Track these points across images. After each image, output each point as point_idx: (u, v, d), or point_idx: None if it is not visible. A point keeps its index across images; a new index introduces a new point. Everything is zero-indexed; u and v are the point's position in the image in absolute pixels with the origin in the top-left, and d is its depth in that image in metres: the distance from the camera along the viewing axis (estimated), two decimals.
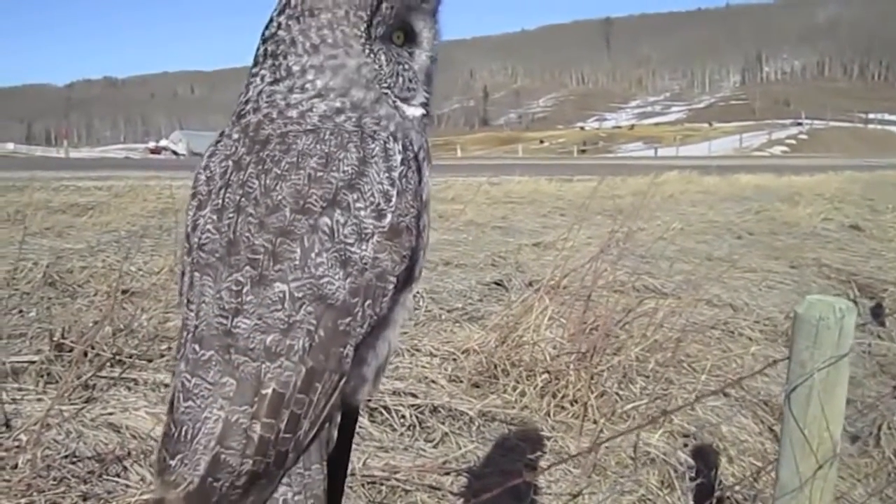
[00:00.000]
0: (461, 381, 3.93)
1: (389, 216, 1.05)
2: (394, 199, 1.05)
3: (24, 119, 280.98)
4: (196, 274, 1.05)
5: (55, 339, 3.64)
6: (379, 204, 1.04)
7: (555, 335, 4.17)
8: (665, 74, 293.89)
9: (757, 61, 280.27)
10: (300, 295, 1.00)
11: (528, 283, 5.78)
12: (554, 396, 3.80)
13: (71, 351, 3.52)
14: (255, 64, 1.09)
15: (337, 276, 1.01)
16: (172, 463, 1.01)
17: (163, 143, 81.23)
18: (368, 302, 1.04)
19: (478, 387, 3.91)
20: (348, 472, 1.25)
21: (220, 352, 1.01)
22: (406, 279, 1.11)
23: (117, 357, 3.64)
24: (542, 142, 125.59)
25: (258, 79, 1.08)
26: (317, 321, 1.01)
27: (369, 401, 3.57)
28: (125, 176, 14.08)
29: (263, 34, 1.09)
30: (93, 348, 3.60)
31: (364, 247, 1.03)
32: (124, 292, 4.33)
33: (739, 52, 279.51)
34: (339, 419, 1.11)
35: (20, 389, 3.37)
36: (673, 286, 6.02)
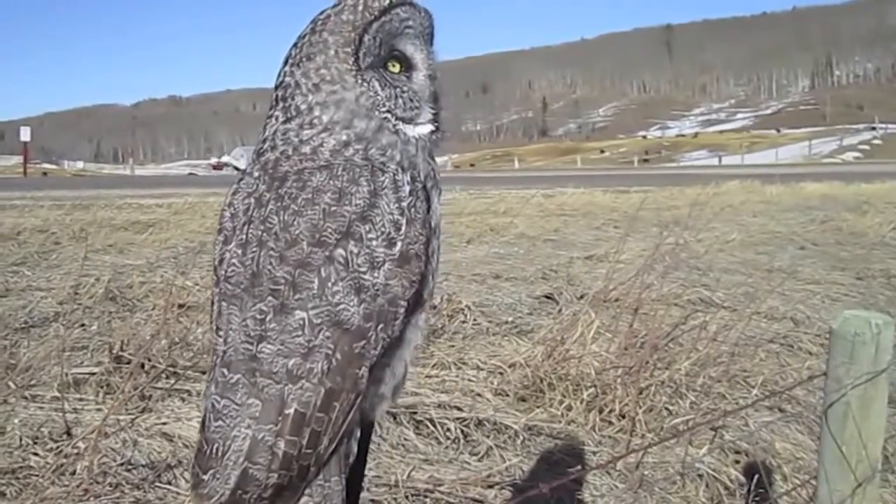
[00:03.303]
0: (507, 395, 3.93)
1: (399, 244, 1.12)
2: (403, 228, 1.13)
3: (93, 138, 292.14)
4: (224, 303, 1.14)
5: (114, 351, 3.80)
6: (389, 233, 1.12)
7: (601, 349, 4.13)
8: (730, 80, 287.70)
9: (827, 65, 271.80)
10: (318, 321, 1.09)
11: (579, 296, 5.75)
12: (601, 411, 3.76)
13: (129, 363, 3.66)
14: (270, 108, 1.19)
15: (352, 303, 1.09)
16: (205, 477, 1.10)
17: (225, 159, 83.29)
18: (381, 326, 1.12)
19: (524, 400, 3.91)
20: (365, 480, 1.31)
21: (247, 375, 1.10)
22: (416, 302, 1.18)
23: (172, 369, 3.77)
24: (602, 151, 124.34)
25: (273, 119, 1.18)
26: (334, 345, 1.09)
27: (414, 413, 3.62)
28: (185, 193, 14.53)
29: (275, 84, 1.20)
30: (149, 360, 3.75)
31: (376, 274, 1.11)
32: (180, 306, 4.48)
33: (808, 56, 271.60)
34: (358, 434, 1.20)
35: (81, 399, 3.53)
36: (730, 298, 5.90)
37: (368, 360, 1.12)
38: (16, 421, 3.22)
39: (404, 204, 1.13)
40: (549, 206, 12.51)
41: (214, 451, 1.10)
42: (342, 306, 1.09)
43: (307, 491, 1.14)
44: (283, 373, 1.09)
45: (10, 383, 3.52)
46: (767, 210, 12.64)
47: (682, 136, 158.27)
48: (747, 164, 60.72)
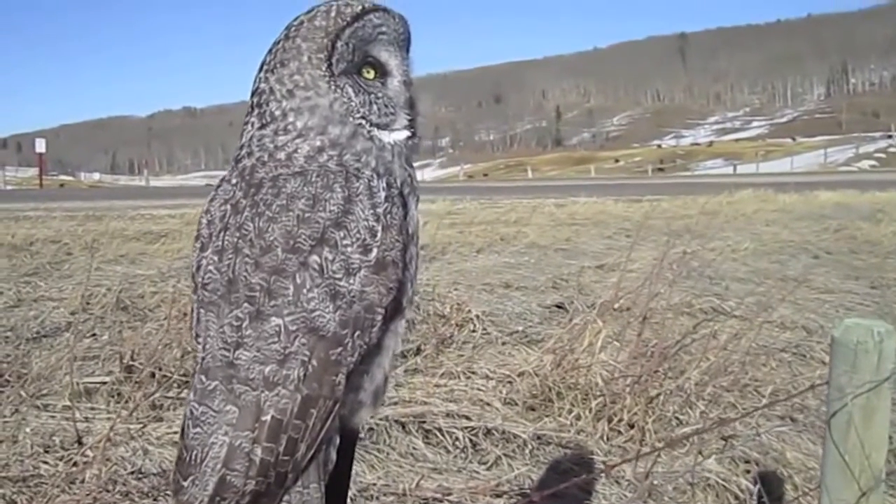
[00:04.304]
0: (516, 404, 3.93)
1: (375, 251, 1.12)
2: (379, 235, 1.12)
3: (109, 150, 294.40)
4: (202, 311, 1.14)
5: (125, 361, 3.83)
6: (365, 239, 1.11)
7: (610, 358, 4.13)
8: (744, 88, 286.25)
9: (842, 72, 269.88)
10: (294, 328, 1.08)
11: (590, 305, 5.73)
12: (609, 420, 3.75)
13: (140, 372, 3.69)
14: (247, 114, 1.20)
15: (327, 310, 1.09)
16: (185, 484, 1.11)
17: None
18: (358, 332, 1.12)
19: (533, 410, 3.91)
20: (349, 491, 1.31)
21: (224, 382, 1.10)
22: (394, 309, 1.18)
23: (183, 378, 3.79)
24: (617, 161, 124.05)
25: (249, 126, 1.19)
26: (310, 352, 1.09)
27: (423, 422, 3.62)
28: (198, 204, 14.61)
29: (251, 91, 1.20)
30: (160, 370, 3.78)
31: (352, 281, 1.10)
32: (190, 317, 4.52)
33: (823, 64, 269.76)
34: (337, 441, 1.19)
35: (92, 409, 3.56)
36: (742, 307, 5.87)
37: (345, 366, 1.12)
38: (27, 430, 3.26)
39: (380, 210, 1.13)
40: (561, 215, 12.51)
41: (193, 457, 1.10)
42: (317, 313, 1.09)
43: (285, 498, 1.14)
44: (260, 379, 1.09)
45: (22, 392, 3.55)
46: (781, 219, 12.56)
47: (697, 144, 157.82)
48: (762, 172, 60.40)
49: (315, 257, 1.09)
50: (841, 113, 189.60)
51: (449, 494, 3.10)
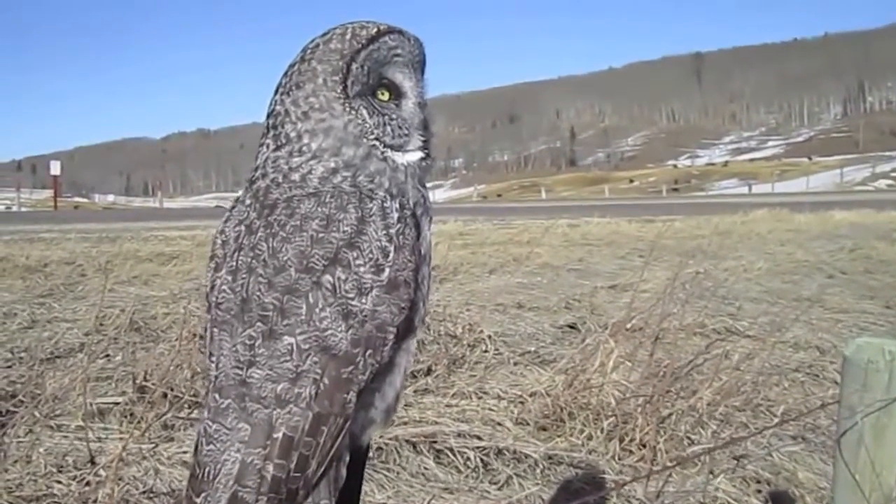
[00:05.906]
0: (527, 424, 3.92)
1: (388, 271, 1.13)
2: (391, 255, 1.13)
3: (124, 171, 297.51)
4: (215, 329, 1.15)
5: (138, 381, 3.86)
6: (377, 260, 1.12)
7: (622, 378, 4.11)
8: (760, 108, 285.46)
9: (859, 91, 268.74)
10: (306, 347, 1.09)
11: (602, 325, 5.73)
12: (621, 440, 3.74)
13: (153, 393, 3.72)
14: (262, 136, 1.21)
15: (339, 329, 1.10)
16: (198, 500, 1.11)
17: None
18: (369, 351, 1.13)
19: (544, 430, 3.89)
20: None
21: (237, 400, 1.11)
22: (406, 328, 1.18)
23: (195, 398, 3.82)
24: (631, 181, 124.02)
25: (264, 147, 1.21)
26: (322, 370, 1.10)
27: (434, 442, 3.62)
28: (209, 225, 14.73)
29: (266, 112, 1.22)
30: (172, 390, 3.80)
31: (364, 300, 1.11)
32: (202, 337, 4.54)
33: (840, 83, 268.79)
34: (347, 458, 1.19)
35: (105, 429, 3.58)
36: (755, 328, 5.84)
37: (357, 385, 1.13)
38: (41, 449, 3.28)
39: (392, 231, 1.14)
40: (574, 235, 12.51)
41: (206, 474, 1.11)
42: (330, 332, 1.10)
43: None
44: (272, 397, 1.10)
45: (36, 413, 3.58)
46: (795, 238, 12.51)
47: (712, 164, 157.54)
48: (778, 192, 60.15)
49: (328, 277, 1.11)
50: (857, 132, 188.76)
51: None
